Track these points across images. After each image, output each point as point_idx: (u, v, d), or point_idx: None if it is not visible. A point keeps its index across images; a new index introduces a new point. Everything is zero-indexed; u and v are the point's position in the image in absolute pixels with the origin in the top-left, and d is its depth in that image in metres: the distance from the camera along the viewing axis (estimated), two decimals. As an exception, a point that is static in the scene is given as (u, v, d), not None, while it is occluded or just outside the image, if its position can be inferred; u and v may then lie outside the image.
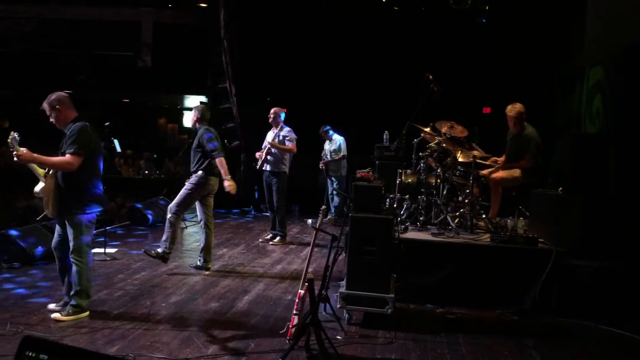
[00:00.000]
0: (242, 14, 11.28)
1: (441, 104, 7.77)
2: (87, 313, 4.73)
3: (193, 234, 9.03)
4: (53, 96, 4.66)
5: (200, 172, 6.33)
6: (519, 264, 5.38)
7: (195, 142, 6.47)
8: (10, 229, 6.62)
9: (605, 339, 4.79)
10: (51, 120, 4.68)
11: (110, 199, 10.41)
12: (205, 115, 6.62)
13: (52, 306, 4.84)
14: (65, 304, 4.76)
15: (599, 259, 5.19)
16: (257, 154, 8.11)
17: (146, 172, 14.38)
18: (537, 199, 6.16)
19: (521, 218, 6.25)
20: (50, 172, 4.61)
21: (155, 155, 15.76)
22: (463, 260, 5.49)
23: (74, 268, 4.65)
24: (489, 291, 5.39)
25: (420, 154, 6.71)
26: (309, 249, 4.47)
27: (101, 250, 6.95)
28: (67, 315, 4.62)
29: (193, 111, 6.69)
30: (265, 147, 8.02)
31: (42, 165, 4.58)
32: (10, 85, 15.48)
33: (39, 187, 4.66)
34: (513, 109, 6.50)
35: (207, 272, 6.38)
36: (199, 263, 6.53)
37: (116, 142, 15.11)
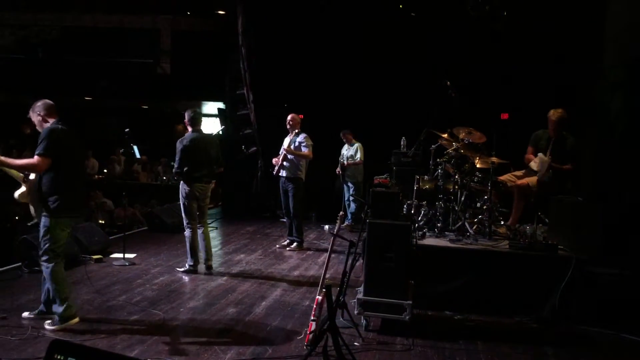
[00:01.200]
0: (259, 20, 11.35)
1: (459, 109, 7.75)
2: (76, 320, 4.61)
3: (211, 240, 9.06)
4: (38, 103, 4.66)
5: (181, 182, 6.59)
6: (538, 271, 5.33)
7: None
8: (30, 234, 6.71)
9: (627, 348, 4.72)
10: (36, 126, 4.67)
11: (129, 205, 10.53)
12: (194, 120, 6.68)
13: (25, 314, 4.74)
14: (41, 313, 4.69)
15: (620, 266, 5.12)
16: (274, 160, 8.14)
17: (164, 177, 14.49)
18: (557, 205, 6.10)
19: (540, 225, 6.19)
20: (31, 176, 4.56)
21: (172, 163, 15.90)
22: (481, 267, 5.45)
23: (43, 272, 4.58)
24: (507, 298, 5.34)
25: (438, 160, 6.68)
26: (326, 255, 4.48)
27: (120, 255, 7.03)
28: (56, 324, 4.53)
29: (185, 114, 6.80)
30: (282, 153, 8.05)
31: (9, 167, 4.52)
32: (32, 92, 15.72)
33: (18, 191, 4.66)
34: (555, 114, 6.45)
35: (227, 278, 6.41)
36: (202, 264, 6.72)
37: (135, 148, 15.28)
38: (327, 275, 4.27)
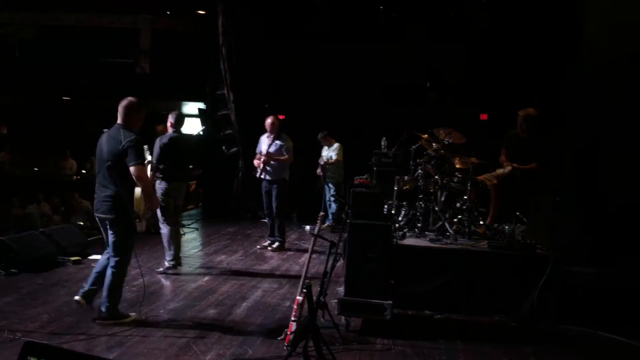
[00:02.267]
0: (240, 20, 11.31)
1: (439, 110, 7.81)
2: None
3: (191, 241, 9.03)
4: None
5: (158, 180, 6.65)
6: (517, 271, 5.38)
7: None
8: (7, 236, 6.61)
9: (605, 346, 4.78)
10: None
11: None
12: (178, 121, 6.84)
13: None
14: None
15: (597, 265, 5.19)
16: (255, 162, 8.10)
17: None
18: (535, 205, 6.17)
19: (519, 224, 6.25)
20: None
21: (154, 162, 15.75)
22: (461, 266, 5.49)
23: None
24: (487, 298, 5.38)
25: (418, 160, 6.72)
26: (307, 255, 4.47)
27: (99, 256, 6.92)
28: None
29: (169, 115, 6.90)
30: (260, 152, 8.01)
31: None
32: (10, 91, 15.49)
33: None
34: (523, 113, 6.53)
35: (207, 279, 6.38)
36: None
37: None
38: (308, 276, 4.26)
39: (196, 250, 8.29)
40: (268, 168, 7.95)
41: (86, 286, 4.87)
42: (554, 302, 5.18)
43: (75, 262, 6.81)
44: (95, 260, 6.84)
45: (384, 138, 8.46)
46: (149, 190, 4.78)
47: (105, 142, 4.74)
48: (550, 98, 9.66)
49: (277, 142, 7.94)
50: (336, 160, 10.05)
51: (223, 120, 11.84)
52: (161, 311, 5.13)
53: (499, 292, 5.37)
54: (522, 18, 10.19)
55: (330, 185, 10.20)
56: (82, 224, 10.08)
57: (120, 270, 4.74)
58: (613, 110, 7.38)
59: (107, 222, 4.72)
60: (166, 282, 6.21)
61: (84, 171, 14.52)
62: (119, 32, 15.85)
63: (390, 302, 4.74)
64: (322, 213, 4.72)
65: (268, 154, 7.90)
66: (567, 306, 5.16)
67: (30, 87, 14.95)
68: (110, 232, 4.73)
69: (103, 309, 4.68)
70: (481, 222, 6.52)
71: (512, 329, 5.10)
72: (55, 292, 5.56)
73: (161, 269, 6.60)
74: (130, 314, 4.85)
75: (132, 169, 4.55)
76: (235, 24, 11.22)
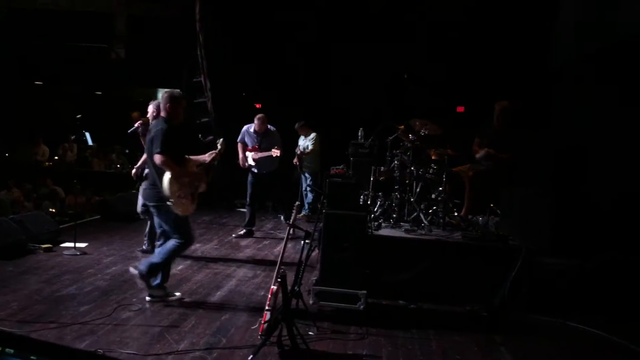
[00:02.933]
0: (217, 7, 11.19)
1: (416, 102, 7.83)
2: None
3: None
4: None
5: None
6: (489, 262, 5.46)
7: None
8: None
9: (573, 336, 4.88)
10: None
11: (81, 193, 10.28)
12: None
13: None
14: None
15: (568, 256, 5.29)
16: (251, 156, 8.26)
17: (118, 165, 14.18)
18: (508, 197, 6.25)
19: (492, 216, 6.33)
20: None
21: (127, 150, 15.53)
22: (435, 257, 5.54)
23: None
24: (459, 288, 5.45)
25: (395, 151, 6.75)
26: (282, 245, 4.47)
27: (71, 244, 6.85)
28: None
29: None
30: (258, 153, 8.22)
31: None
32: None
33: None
34: (499, 105, 6.66)
35: (181, 267, 6.34)
36: (144, 247, 6.84)
37: (87, 135, 14.87)
38: (283, 265, 4.26)
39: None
40: (265, 161, 8.20)
41: None
42: (524, 292, 5.27)
43: (46, 249, 6.71)
44: (67, 248, 6.79)
45: (362, 129, 8.49)
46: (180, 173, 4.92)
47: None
48: (525, 92, 9.78)
49: (272, 140, 8.25)
50: (311, 150, 10.04)
51: (199, 108, 11.72)
52: (134, 300, 5.08)
53: (471, 282, 5.44)
54: (498, 12, 10.27)
55: (307, 175, 10.17)
56: (53, 210, 9.92)
57: (174, 250, 5.02)
58: (587, 106, 7.52)
59: (153, 210, 5.09)
60: (140, 271, 6.14)
61: (56, 157, 14.26)
62: (93, 16, 15.55)
63: (365, 292, 4.77)
64: (297, 202, 4.71)
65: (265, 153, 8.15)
66: (538, 297, 5.25)
67: (1, 72, 14.59)
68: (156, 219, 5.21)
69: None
70: (455, 214, 6.60)
71: (483, 318, 5.17)
72: (26, 280, 5.47)
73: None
74: (176, 293, 5.18)
75: (155, 156, 4.77)
76: (213, 11, 11.10)
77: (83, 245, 7.04)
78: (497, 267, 5.40)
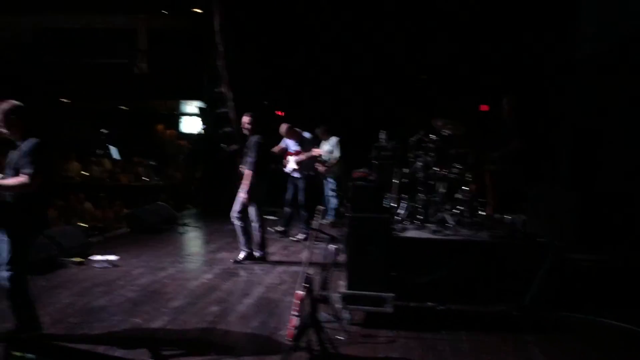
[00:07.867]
0: (236, 18, 11.30)
1: (439, 102, 7.79)
2: None
3: (193, 239, 9.05)
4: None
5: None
6: (518, 260, 5.37)
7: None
8: None
9: (605, 332, 4.79)
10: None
11: (110, 206, 10.44)
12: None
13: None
14: None
15: (597, 252, 5.20)
16: (295, 159, 8.58)
17: (145, 178, 14.38)
18: (535, 194, 6.17)
19: (520, 214, 6.25)
20: None
21: (152, 163, 15.74)
22: (462, 257, 5.48)
23: None
24: (488, 287, 5.37)
25: (418, 152, 6.70)
26: (308, 250, 4.47)
27: (101, 257, 6.96)
28: None
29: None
30: (299, 156, 8.56)
31: None
32: (7, 96, 15.46)
33: None
34: (507, 101, 6.97)
35: (210, 277, 6.40)
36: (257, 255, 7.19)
37: (114, 149, 15.11)
38: (309, 271, 4.26)
39: (198, 247, 8.31)
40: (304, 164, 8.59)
41: None
42: (555, 290, 5.18)
43: (77, 263, 6.83)
44: (98, 261, 6.90)
45: (384, 131, 8.44)
46: None
47: None
48: (547, 89, 9.66)
49: (308, 143, 8.63)
50: (335, 157, 9.98)
51: (222, 118, 11.83)
52: (164, 310, 5.13)
53: (501, 281, 5.35)
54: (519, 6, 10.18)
55: (330, 179, 10.10)
56: (84, 225, 10.09)
57: None
58: (609, 99, 7.40)
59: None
60: (168, 282, 6.21)
61: (85, 172, 14.52)
62: (115, 32, 15.84)
63: (392, 294, 4.75)
64: (322, 207, 4.72)
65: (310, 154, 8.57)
66: (568, 294, 5.16)
67: (28, 90, 14.93)
68: None
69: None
70: (482, 213, 6.52)
71: (514, 318, 5.09)
72: (58, 294, 5.57)
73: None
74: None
75: None
76: (232, 21, 11.21)
77: (113, 257, 7.14)
78: (526, 265, 5.31)
